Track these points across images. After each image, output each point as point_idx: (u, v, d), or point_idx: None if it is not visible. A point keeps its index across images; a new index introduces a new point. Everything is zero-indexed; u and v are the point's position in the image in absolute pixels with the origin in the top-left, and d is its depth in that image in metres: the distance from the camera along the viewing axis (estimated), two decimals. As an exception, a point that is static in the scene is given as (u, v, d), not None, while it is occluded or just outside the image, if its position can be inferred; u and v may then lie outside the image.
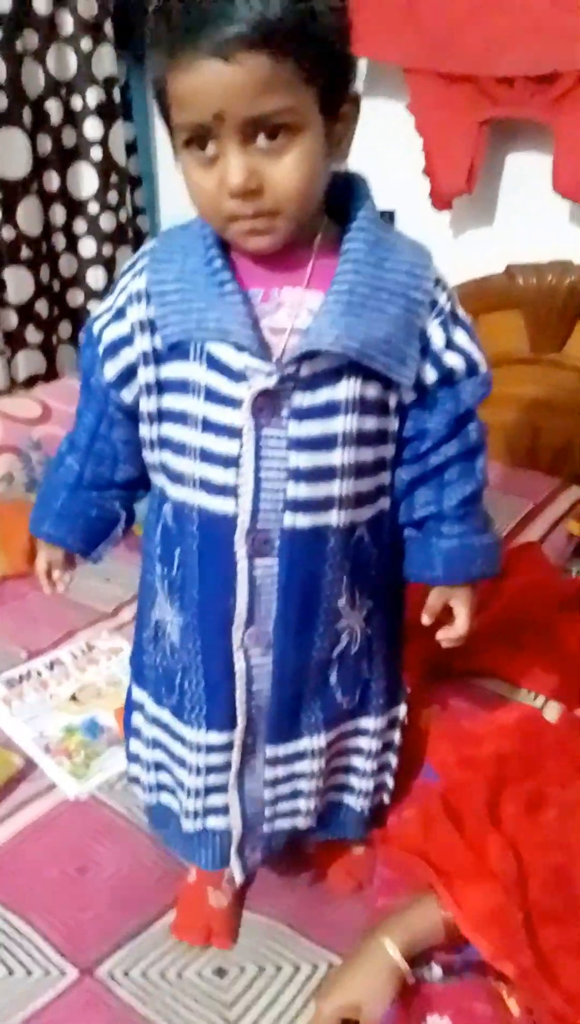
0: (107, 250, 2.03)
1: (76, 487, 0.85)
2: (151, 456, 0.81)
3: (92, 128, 1.94)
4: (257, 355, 0.71)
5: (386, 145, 1.87)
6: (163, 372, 0.76)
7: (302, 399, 0.72)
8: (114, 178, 2.00)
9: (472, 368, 0.78)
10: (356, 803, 0.92)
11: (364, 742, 0.89)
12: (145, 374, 0.77)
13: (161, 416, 0.78)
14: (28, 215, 1.86)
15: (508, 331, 1.69)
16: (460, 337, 0.77)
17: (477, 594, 0.85)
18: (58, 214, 1.96)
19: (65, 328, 2.06)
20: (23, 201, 1.84)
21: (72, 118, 1.93)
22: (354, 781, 0.92)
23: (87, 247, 2.02)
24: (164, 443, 0.79)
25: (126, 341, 0.77)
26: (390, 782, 0.94)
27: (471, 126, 1.66)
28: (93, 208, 1.99)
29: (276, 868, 0.98)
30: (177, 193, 2.11)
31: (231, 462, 0.74)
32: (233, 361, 0.72)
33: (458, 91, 1.64)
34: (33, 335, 1.96)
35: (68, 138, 1.93)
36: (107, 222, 2.01)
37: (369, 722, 0.89)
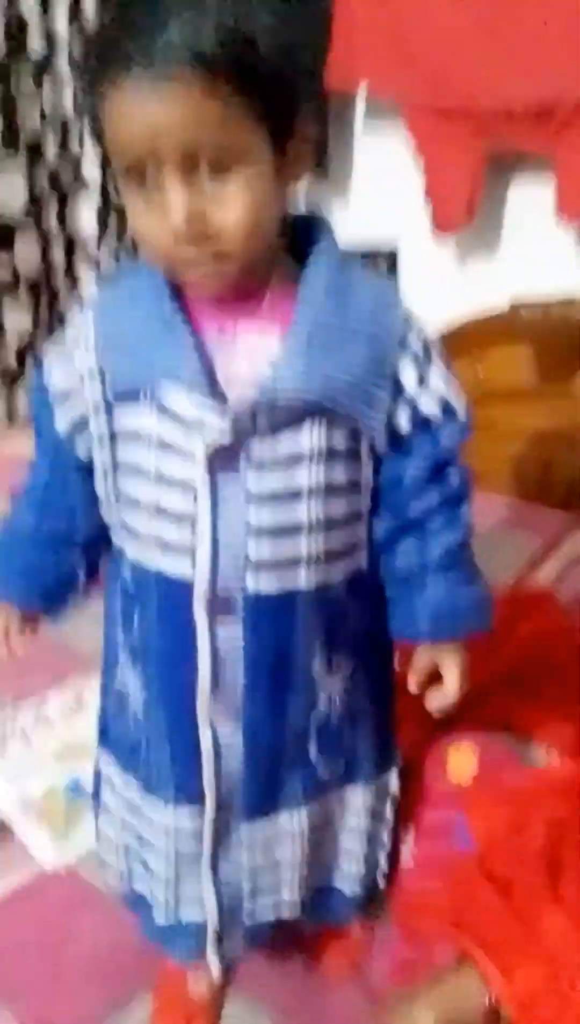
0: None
1: (32, 544, 0.78)
2: (108, 512, 0.75)
3: (90, 167, 1.93)
4: (211, 402, 0.65)
5: (388, 179, 1.85)
6: (113, 421, 0.70)
7: (262, 449, 0.66)
8: (113, 216, 1.99)
9: (450, 411, 0.71)
10: (347, 888, 0.84)
11: (352, 818, 0.82)
12: (97, 424, 0.71)
13: (115, 468, 0.72)
14: (27, 254, 1.84)
15: (516, 364, 1.64)
16: (435, 379, 0.70)
17: (467, 653, 0.78)
18: (57, 253, 1.94)
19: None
20: (20, 239, 1.83)
21: (69, 157, 1.92)
22: (344, 864, 0.84)
23: (87, 285, 2.01)
24: (120, 498, 0.73)
25: (76, 389, 0.71)
26: (384, 862, 0.87)
27: (470, 158, 1.63)
28: (93, 247, 1.98)
29: (264, 948, 0.91)
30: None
31: (185, 519, 0.67)
32: (186, 409, 0.65)
33: (456, 124, 1.62)
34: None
35: (66, 178, 1.92)
36: (107, 260, 2.00)
37: (356, 793, 0.81)
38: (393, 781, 0.85)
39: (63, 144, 1.90)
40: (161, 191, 0.60)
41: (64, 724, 1.27)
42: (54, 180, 1.89)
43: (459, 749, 1.01)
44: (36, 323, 1.90)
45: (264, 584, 0.68)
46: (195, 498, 0.66)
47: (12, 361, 1.89)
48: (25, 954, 0.93)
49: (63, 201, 1.93)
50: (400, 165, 1.66)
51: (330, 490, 0.68)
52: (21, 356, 1.90)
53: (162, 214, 0.61)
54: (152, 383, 0.66)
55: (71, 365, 0.71)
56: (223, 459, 0.66)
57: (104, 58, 0.58)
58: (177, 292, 0.67)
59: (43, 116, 1.84)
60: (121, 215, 2.01)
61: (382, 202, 1.76)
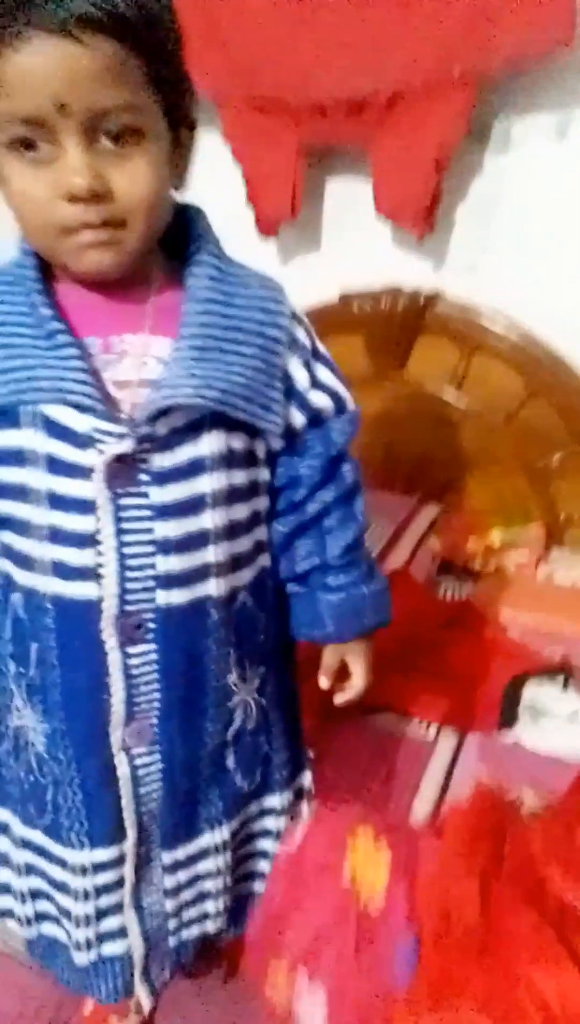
0: None
1: None
2: None
3: None
4: (103, 415, 0.62)
5: (205, 175, 1.83)
6: None
7: (162, 460, 0.64)
8: None
9: (339, 406, 0.73)
10: None
11: (271, 822, 0.81)
12: None
13: None
14: None
15: (349, 354, 1.68)
16: (323, 374, 0.72)
17: (371, 645, 0.80)
18: None
19: None
20: None
21: None
22: (265, 867, 0.83)
23: None
24: (4, 523, 0.68)
25: None
26: None
27: (288, 153, 1.64)
28: None
29: (184, 974, 0.88)
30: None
31: (87, 540, 0.64)
32: (76, 424, 0.62)
33: (272, 118, 1.62)
34: None
35: None
36: None
37: (274, 800, 0.81)
38: (307, 781, 0.84)
39: None
40: (60, 153, 0.57)
41: None
42: None
43: (363, 852, 0.79)
44: None
45: (175, 598, 0.66)
46: (97, 517, 0.63)
47: None
48: None
49: None
50: (217, 163, 1.65)
51: (232, 495, 0.68)
52: None
53: (56, 177, 0.57)
54: (34, 401, 0.62)
55: None
56: (122, 474, 0.63)
57: (5, 10, 0.53)
58: (49, 296, 0.63)
59: None
60: None
61: (205, 206, 1.75)
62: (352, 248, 1.72)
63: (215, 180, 1.65)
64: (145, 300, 0.65)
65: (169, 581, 0.66)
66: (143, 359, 0.64)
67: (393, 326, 1.63)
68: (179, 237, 0.67)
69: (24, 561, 0.67)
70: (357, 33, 1.45)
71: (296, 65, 1.53)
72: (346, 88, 1.51)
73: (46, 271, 0.65)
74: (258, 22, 1.52)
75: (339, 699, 0.80)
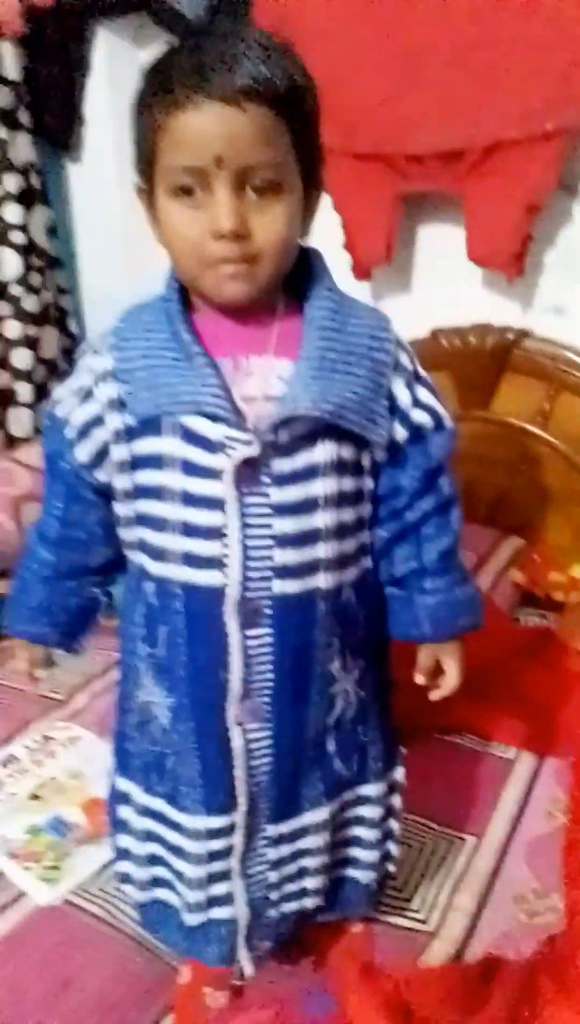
0: (32, 331, 2.01)
1: (51, 579, 0.83)
2: (128, 534, 0.80)
3: (12, 213, 1.94)
4: (233, 425, 0.71)
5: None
6: (136, 448, 0.76)
7: (282, 464, 0.73)
8: (36, 260, 2.00)
9: (438, 423, 0.80)
10: (363, 876, 0.90)
11: (366, 811, 0.88)
12: (118, 451, 0.76)
13: (137, 492, 0.77)
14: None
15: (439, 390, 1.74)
16: (424, 394, 0.79)
17: (464, 646, 0.86)
18: (-20, 294, 1.94)
19: (-8, 410, 2.02)
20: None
21: (-8, 200, 1.92)
22: (360, 853, 0.89)
23: (11, 328, 2.00)
24: (142, 520, 0.78)
25: (97, 421, 0.77)
26: (394, 850, 0.92)
27: (386, 200, 1.73)
28: (16, 290, 1.98)
29: (274, 958, 0.93)
30: (98, 273, 2.11)
31: (215, 533, 0.73)
32: (209, 432, 0.72)
33: (371, 169, 1.71)
34: (-41, 418, 1.91)
35: (-12, 220, 1.93)
36: (31, 303, 2.00)
37: (369, 789, 0.87)
38: (400, 774, 0.90)
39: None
40: (212, 200, 0.68)
41: (34, 764, 1.26)
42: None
43: None
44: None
45: (289, 587, 0.75)
46: (224, 513, 0.72)
47: None
48: (30, 995, 0.93)
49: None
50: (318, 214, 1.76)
51: (341, 499, 0.76)
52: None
53: (207, 220, 0.68)
54: (176, 412, 0.71)
55: (91, 400, 0.76)
56: (247, 476, 0.72)
57: (183, 81, 0.66)
58: (189, 324, 0.73)
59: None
60: (44, 259, 2.03)
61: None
62: (442, 290, 1.80)
63: (314, 226, 1.77)
64: (271, 327, 0.75)
65: (285, 572, 0.74)
66: (268, 377, 0.73)
67: (481, 362, 1.69)
68: (298, 274, 0.77)
69: (158, 553, 0.76)
70: (456, 88, 1.55)
71: (397, 119, 1.63)
72: (444, 140, 1.60)
73: (186, 303, 0.75)
74: (362, 80, 1.63)
75: (435, 695, 0.86)
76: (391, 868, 0.93)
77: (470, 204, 1.64)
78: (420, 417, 0.78)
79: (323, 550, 0.75)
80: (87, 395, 0.77)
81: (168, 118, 0.67)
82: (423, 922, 1.01)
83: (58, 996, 0.93)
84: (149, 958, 0.96)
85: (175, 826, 0.82)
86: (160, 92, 0.67)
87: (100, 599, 0.85)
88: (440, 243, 1.78)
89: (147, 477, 0.75)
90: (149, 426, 0.74)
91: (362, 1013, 0.84)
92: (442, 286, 1.80)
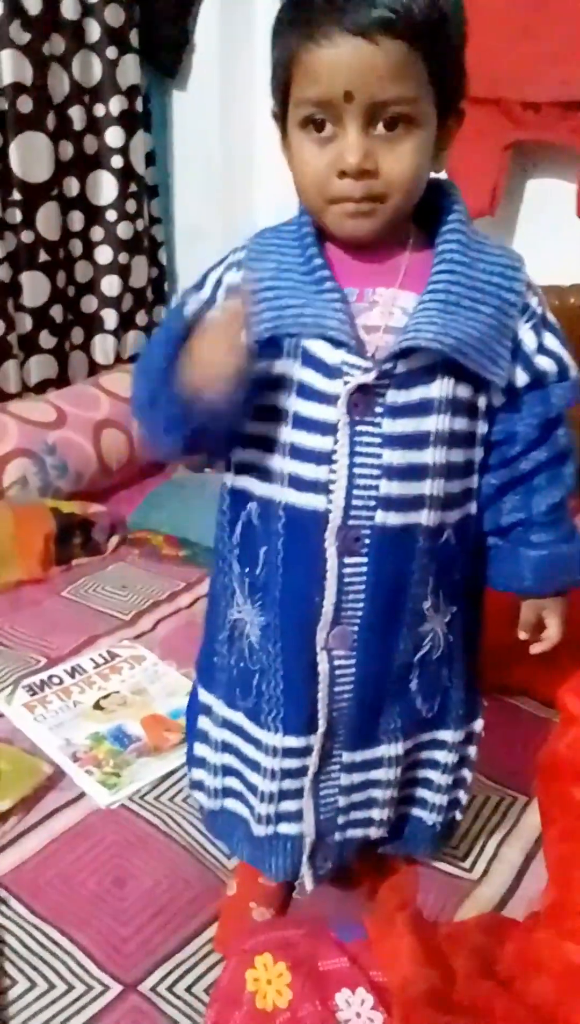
0: (123, 258, 2.02)
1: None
2: (237, 454, 0.80)
3: (113, 136, 1.94)
4: (353, 351, 0.71)
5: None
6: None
7: (397, 396, 0.72)
8: (133, 187, 2.00)
9: (563, 372, 0.78)
10: (429, 817, 0.90)
11: (441, 755, 0.88)
12: None
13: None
14: (48, 220, 1.85)
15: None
16: (551, 341, 0.77)
17: (567, 602, 0.84)
18: (76, 220, 1.95)
19: (78, 334, 2.04)
20: (43, 206, 1.83)
21: (95, 125, 1.92)
22: (428, 795, 0.89)
23: (103, 254, 2.01)
24: (249, 440, 0.77)
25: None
26: (464, 797, 0.92)
27: (495, 149, 1.68)
28: (111, 216, 1.98)
29: (330, 882, 0.95)
30: (191, 204, 2.12)
31: (324, 458, 0.73)
32: (328, 357, 0.72)
33: (484, 114, 1.66)
34: (46, 340, 1.93)
35: (89, 145, 1.93)
36: (124, 230, 2.00)
37: (447, 734, 0.87)
38: (479, 725, 0.90)
39: (89, 111, 1.90)
40: (341, 134, 0.67)
41: (100, 677, 1.30)
42: (78, 146, 1.90)
43: (265, 972, 0.79)
44: (53, 286, 1.90)
45: (391, 520, 0.74)
46: (335, 439, 0.72)
47: (27, 325, 1.89)
48: (86, 888, 0.97)
49: (86, 169, 1.93)
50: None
51: (452, 439, 0.75)
52: (38, 320, 1.90)
53: (336, 154, 0.67)
54: (299, 334, 0.71)
55: (214, 308, 0.75)
56: (361, 403, 0.71)
57: (319, 12, 0.64)
58: (320, 251, 0.72)
59: (72, 82, 1.84)
60: (141, 186, 2.02)
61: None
62: (545, 246, 1.73)
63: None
64: (399, 260, 0.73)
65: (389, 504, 0.73)
66: (391, 309, 0.72)
67: (578, 324, 1.64)
68: (432, 208, 0.75)
69: (264, 474, 0.76)
70: (577, 37, 1.48)
71: (517, 63, 1.57)
72: (565, 90, 1.54)
73: (319, 231, 0.74)
74: (485, 18, 1.56)
75: (536, 648, 0.85)
76: (458, 816, 0.93)
77: (584, 159, 1.58)
78: (544, 363, 0.76)
79: (429, 487, 0.74)
80: (211, 303, 0.76)
81: (301, 50, 0.66)
82: (469, 870, 1.02)
83: (110, 892, 0.96)
84: (200, 868, 0.99)
85: (253, 741, 0.83)
86: (297, 22, 0.66)
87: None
88: (546, 198, 1.72)
89: (261, 398, 0.75)
90: (268, 347, 0.73)
91: (395, 956, 0.85)
92: (544, 242, 1.74)
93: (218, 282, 0.77)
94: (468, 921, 0.92)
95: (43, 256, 1.86)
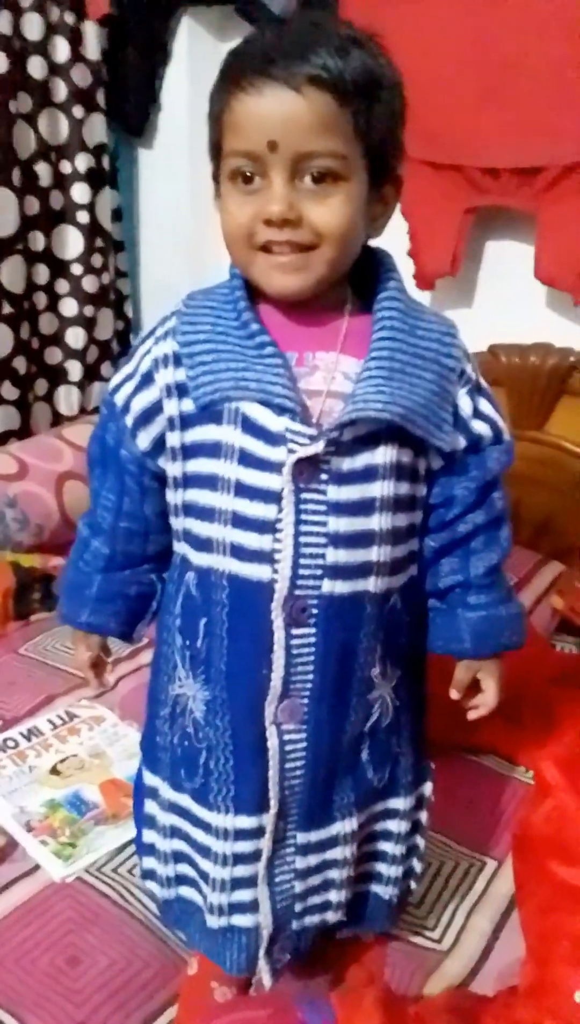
0: (88, 311, 2.02)
1: (108, 569, 0.82)
2: (175, 523, 0.79)
3: (80, 192, 1.95)
4: (298, 418, 0.70)
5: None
6: (189, 436, 0.74)
7: (342, 463, 0.71)
8: (99, 242, 2.01)
9: (497, 436, 0.79)
10: (385, 891, 0.87)
11: (393, 824, 0.85)
12: (172, 439, 0.75)
13: (186, 481, 0.76)
14: (12, 273, 1.84)
15: (490, 407, 1.72)
16: (485, 406, 0.78)
17: (503, 665, 0.84)
18: (42, 273, 1.95)
19: (41, 385, 2.03)
20: (8, 259, 1.83)
21: (61, 182, 1.94)
22: (383, 868, 0.87)
23: (69, 306, 2.01)
24: (189, 509, 0.76)
25: (157, 407, 0.75)
26: (418, 867, 0.90)
27: (457, 213, 1.72)
28: (77, 269, 1.99)
29: (289, 971, 0.91)
30: (158, 259, 2.13)
31: (268, 527, 0.71)
32: (271, 424, 0.70)
33: (446, 179, 1.70)
34: (9, 391, 1.91)
35: (56, 201, 1.94)
36: (90, 284, 2.01)
37: (399, 802, 0.85)
38: (428, 789, 0.88)
39: (56, 168, 1.92)
40: (266, 186, 0.67)
41: (57, 740, 1.26)
42: (44, 202, 1.91)
43: None
44: (16, 338, 1.89)
45: (338, 588, 0.73)
46: (279, 507, 0.70)
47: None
48: (39, 968, 0.92)
49: (52, 223, 1.94)
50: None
51: (397, 504, 0.74)
52: (1, 371, 1.88)
53: (261, 204, 0.67)
54: (240, 399, 0.70)
55: (151, 385, 0.75)
56: (306, 471, 0.70)
57: (250, 65, 0.65)
58: (255, 314, 0.72)
59: (39, 139, 1.86)
60: (107, 241, 2.03)
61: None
62: (505, 306, 1.78)
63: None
64: (338, 324, 0.73)
65: (336, 572, 0.72)
66: (333, 374, 0.72)
67: (539, 383, 1.67)
68: (367, 275, 0.76)
69: (203, 544, 0.74)
70: (541, 105, 1.53)
71: (477, 130, 1.62)
72: (522, 156, 1.59)
73: (251, 293, 0.74)
74: (445, 87, 1.61)
75: (473, 714, 0.84)
76: (413, 885, 0.91)
77: (543, 223, 1.62)
78: (480, 428, 0.77)
79: (376, 553, 0.73)
80: (147, 380, 0.75)
81: (231, 99, 0.67)
82: (438, 941, 0.99)
83: (65, 973, 0.91)
84: (159, 945, 0.95)
85: (202, 824, 0.80)
86: (230, 75, 0.67)
87: (157, 586, 0.83)
88: (506, 259, 1.76)
89: (200, 466, 0.74)
90: (207, 413, 0.72)
91: None
92: (505, 303, 1.78)
93: (147, 354, 0.76)
94: (438, 999, 0.89)
95: (7, 308, 1.85)
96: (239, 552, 0.72)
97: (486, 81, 1.59)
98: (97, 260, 2.01)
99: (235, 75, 0.66)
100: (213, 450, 0.72)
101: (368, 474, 0.72)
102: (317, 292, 0.71)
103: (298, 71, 0.64)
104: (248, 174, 0.67)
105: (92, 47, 1.90)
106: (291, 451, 0.70)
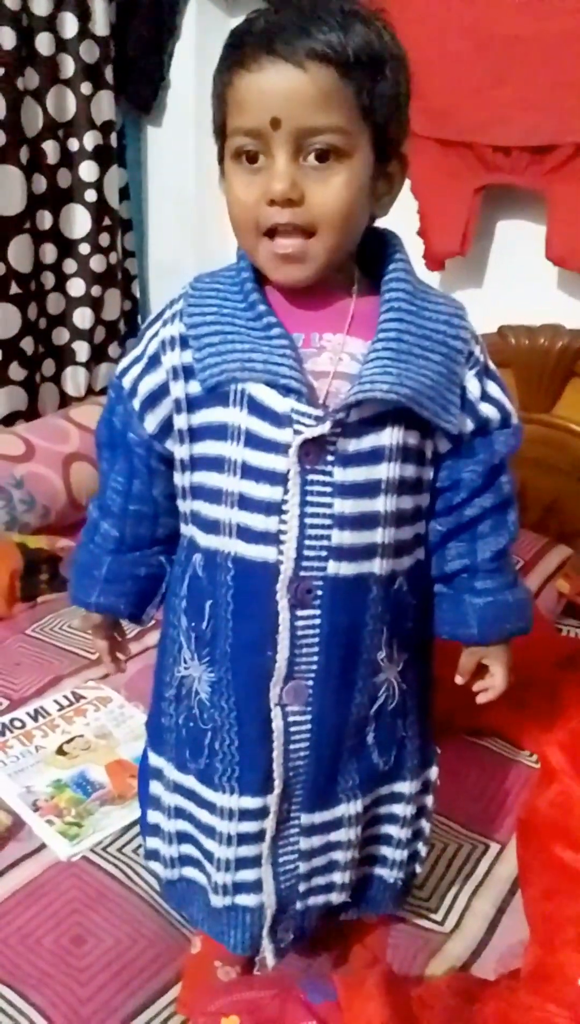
0: (96, 291, 2.01)
1: (118, 551, 0.82)
2: (182, 505, 0.79)
3: (87, 171, 1.93)
4: (305, 399, 0.69)
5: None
6: (196, 418, 0.74)
7: (348, 444, 0.71)
8: (106, 221, 1.99)
9: (505, 419, 0.78)
10: (389, 875, 0.87)
11: (399, 808, 0.85)
12: (179, 421, 0.75)
13: (193, 463, 0.76)
14: (20, 252, 1.83)
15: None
16: (493, 388, 0.77)
17: (510, 650, 0.84)
18: (49, 253, 1.94)
19: (49, 366, 2.02)
20: (15, 239, 1.82)
21: (68, 159, 1.92)
22: (388, 852, 0.87)
23: (76, 287, 2.00)
24: (196, 491, 0.76)
25: (164, 390, 0.75)
26: (423, 850, 0.90)
27: (467, 192, 1.70)
28: (84, 249, 1.98)
29: (293, 951, 0.92)
30: (165, 239, 2.11)
31: (274, 508, 0.71)
32: (277, 405, 0.70)
33: (456, 158, 1.68)
34: (17, 372, 1.91)
35: (63, 179, 1.92)
36: (97, 263, 1.99)
37: (404, 786, 0.85)
38: (434, 773, 0.88)
39: (63, 145, 1.90)
40: (271, 163, 0.66)
41: (63, 720, 1.27)
42: (52, 180, 1.89)
43: None
44: (24, 319, 1.88)
45: (343, 570, 0.73)
46: (285, 489, 0.70)
47: (-2, 356, 1.87)
48: (47, 948, 0.93)
49: (59, 202, 1.93)
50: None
51: (403, 486, 0.74)
52: (9, 352, 1.88)
53: (265, 184, 0.66)
54: (246, 380, 0.70)
55: (157, 368, 0.75)
56: (313, 452, 0.70)
57: (253, 42, 0.65)
58: (262, 296, 0.72)
59: (46, 116, 1.84)
60: (114, 220, 2.02)
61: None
62: (515, 288, 1.76)
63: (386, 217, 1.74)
64: (345, 305, 0.73)
65: (341, 553, 0.72)
66: (339, 355, 0.72)
67: (547, 364, 1.66)
68: (375, 256, 0.75)
69: (210, 525, 0.75)
70: (551, 82, 1.51)
71: (487, 109, 1.60)
72: (534, 135, 1.56)
73: (258, 275, 0.73)
74: (456, 65, 1.59)
75: (482, 698, 0.84)
76: (418, 868, 0.91)
77: (554, 202, 1.60)
78: (488, 411, 0.76)
79: (381, 535, 0.73)
80: (152, 363, 0.75)
81: (234, 77, 0.66)
82: (440, 923, 1.00)
83: (70, 951, 0.93)
84: (163, 924, 0.96)
85: (207, 805, 0.80)
86: (232, 53, 0.66)
87: (166, 568, 0.83)
88: (516, 239, 1.74)
89: (206, 448, 0.74)
90: (213, 395, 0.72)
91: (365, 1020, 0.82)
92: (514, 283, 1.76)
93: (154, 336, 0.76)
94: (440, 981, 0.89)
95: (14, 288, 1.84)
96: (245, 533, 0.72)
97: (497, 58, 1.56)
98: (105, 239, 2.00)
99: (238, 53, 0.66)
100: (220, 432, 0.72)
101: (374, 455, 0.71)
102: (322, 277, 0.70)
103: (300, 46, 0.63)
104: (252, 152, 0.67)
105: (100, 22, 1.87)
106: (297, 432, 0.69)
